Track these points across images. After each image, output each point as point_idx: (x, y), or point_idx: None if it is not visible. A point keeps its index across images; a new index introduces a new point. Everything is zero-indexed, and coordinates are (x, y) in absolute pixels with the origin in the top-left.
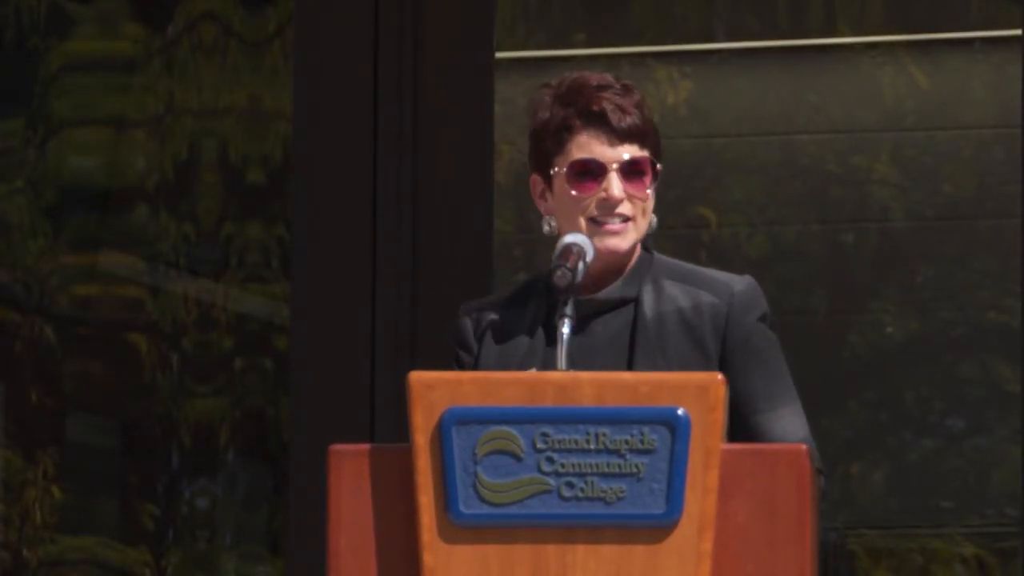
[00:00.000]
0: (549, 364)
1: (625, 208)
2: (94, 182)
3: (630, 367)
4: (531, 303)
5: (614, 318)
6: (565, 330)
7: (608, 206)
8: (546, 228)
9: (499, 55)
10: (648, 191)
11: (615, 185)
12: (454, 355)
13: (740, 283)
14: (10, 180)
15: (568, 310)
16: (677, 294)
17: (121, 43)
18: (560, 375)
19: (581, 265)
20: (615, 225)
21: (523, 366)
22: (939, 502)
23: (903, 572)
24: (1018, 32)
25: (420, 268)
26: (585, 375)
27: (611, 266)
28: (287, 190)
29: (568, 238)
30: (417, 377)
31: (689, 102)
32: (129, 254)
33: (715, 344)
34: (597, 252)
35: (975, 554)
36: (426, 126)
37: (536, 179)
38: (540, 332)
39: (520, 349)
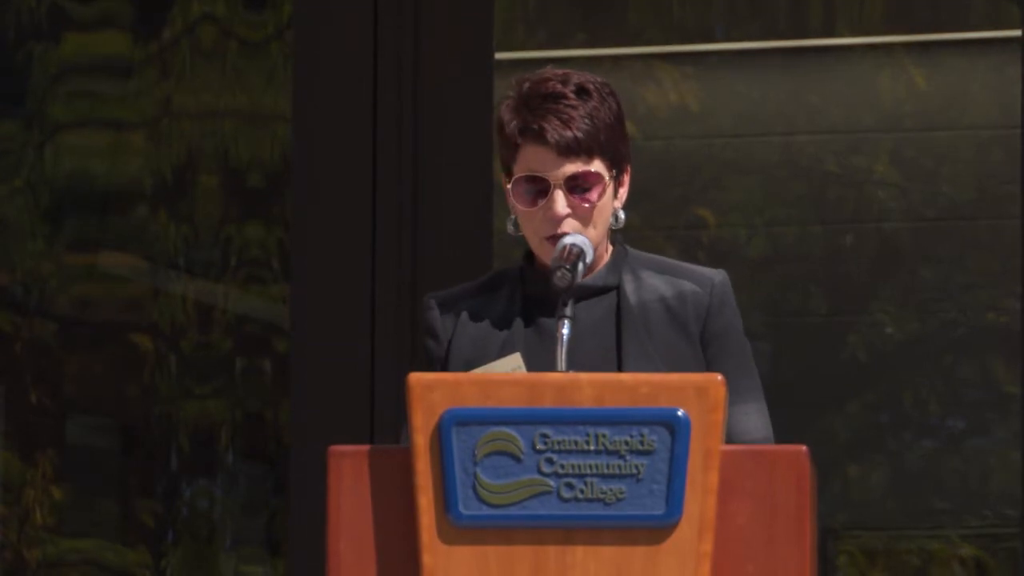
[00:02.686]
0: (532, 351)
1: (569, 225)
2: (94, 183)
3: (619, 351)
4: (503, 292)
5: (596, 305)
6: (565, 331)
7: (553, 223)
8: (510, 228)
9: (499, 56)
10: (596, 203)
11: (559, 202)
12: (423, 344)
13: (718, 275)
14: (9, 181)
15: (568, 311)
16: (658, 284)
17: (120, 45)
18: (560, 376)
19: (580, 265)
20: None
21: (502, 353)
22: (938, 503)
23: (901, 573)
24: (1017, 33)
25: (420, 269)
26: (584, 376)
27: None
28: (287, 192)
29: (568, 239)
30: (417, 378)
31: (689, 103)
32: (129, 255)
33: (697, 331)
34: (546, 264)
35: (974, 556)
36: (426, 127)
37: (504, 178)
38: (518, 320)
39: (499, 337)
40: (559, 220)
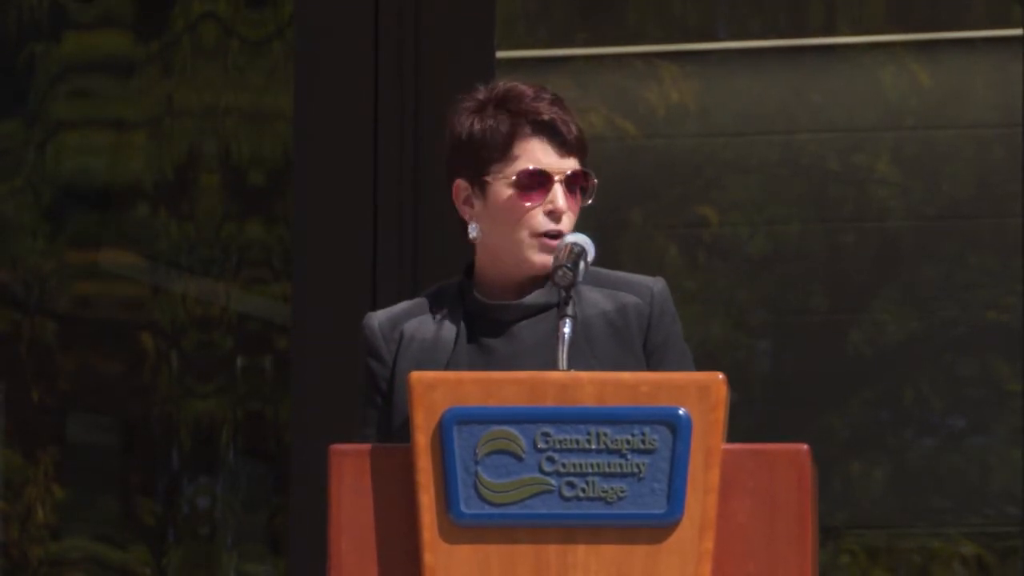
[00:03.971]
0: (476, 368)
1: (563, 222)
2: (95, 182)
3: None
4: (444, 309)
5: (538, 324)
6: (567, 330)
7: (554, 217)
8: (472, 234)
9: (499, 54)
10: (580, 205)
11: (561, 197)
12: (364, 365)
13: (657, 284)
14: (11, 179)
15: (569, 310)
16: (598, 298)
17: (122, 44)
18: (561, 375)
19: (582, 264)
20: (554, 241)
21: (447, 370)
22: (939, 501)
23: (903, 572)
24: (1019, 32)
25: (420, 268)
26: (585, 375)
27: (532, 274)
28: (288, 190)
29: (569, 238)
30: (418, 377)
31: (690, 101)
32: (130, 253)
33: (640, 343)
34: (532, 265)
35: (975, 553)
36: (427, 126)
37: (461, 184)
38: (462, 338)
39: (443, 355)
40: (561, 214)
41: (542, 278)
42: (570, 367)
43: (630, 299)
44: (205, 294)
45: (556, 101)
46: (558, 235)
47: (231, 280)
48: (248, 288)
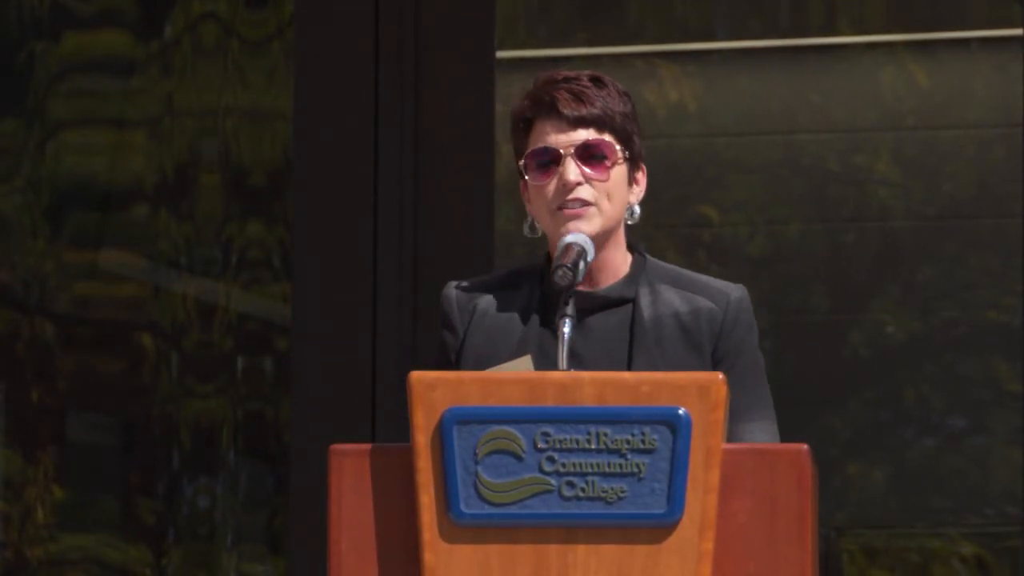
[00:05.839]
0: (545, 352)
1: (584, 192)
2: (95, 182)
3: (629, 365)
4: (523, 289)
5: (611, 316)
6: (566, 329)
7: (565, 190)
8: (527, 230)
9: (500, 54)
10: (610, 173)
11: (571, 169)
12: (440, 339)
13: (736, 291)
14: (10, 179)
15: (569, 309)
16: (674, 298)
17: (122, 43)
18: (561, 375)
19: (582, 264)
20: (575, 209)
21: (517, 352)
22: (939, 501)
23: (902, 571)
24: (1019, 32)
25: (421, 268)
26: (586, 375)
27: (606, 265)
28: (288, 190)
29: (568, 238)
30: (418, 377)
31: (690, 101)
32: (130, 253)
33: (709, 349)
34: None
35: (975, 553)
36: (427, 126)
37: (523, 182)
38: (534, 319)
39: (514, 335)
40: (571, 187)
41: (615, 273)
42: (637, 361)
43: (705, 304)
44: (205, 294)
45: (582, 83)
46: (584, 203)
47: (231, 280)
48: (248, 288)
